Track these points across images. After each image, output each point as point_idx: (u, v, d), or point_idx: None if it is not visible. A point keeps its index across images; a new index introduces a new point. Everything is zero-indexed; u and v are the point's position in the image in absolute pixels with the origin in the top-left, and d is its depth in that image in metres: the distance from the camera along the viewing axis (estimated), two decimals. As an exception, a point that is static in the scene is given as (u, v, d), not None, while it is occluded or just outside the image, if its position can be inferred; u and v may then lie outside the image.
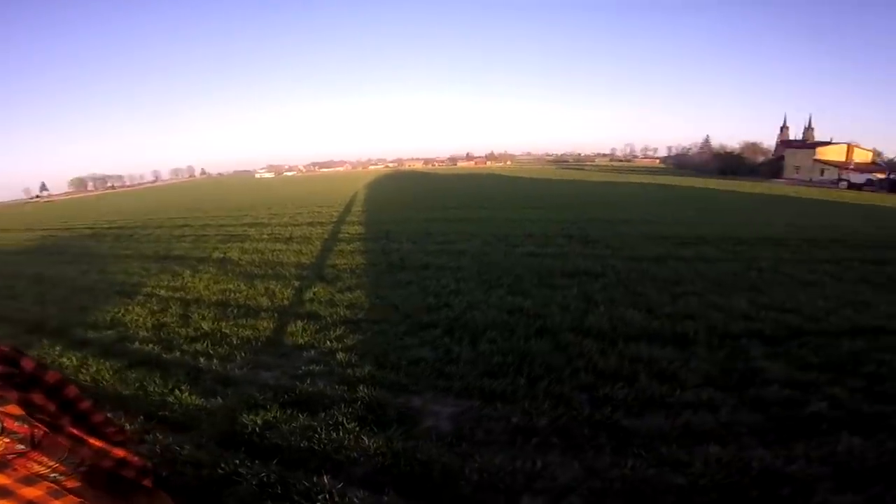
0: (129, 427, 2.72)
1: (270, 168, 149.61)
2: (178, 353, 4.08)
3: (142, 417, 2.98)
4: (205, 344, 4.23)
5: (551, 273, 6.26)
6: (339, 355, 3.76)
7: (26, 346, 4.64)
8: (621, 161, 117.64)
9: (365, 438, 2.63)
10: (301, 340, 4.17)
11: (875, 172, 36.24)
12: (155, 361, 3.94)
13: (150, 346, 4.27)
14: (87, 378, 3.66)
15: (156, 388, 3.38)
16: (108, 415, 1.41)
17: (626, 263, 6.90)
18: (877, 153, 47.57)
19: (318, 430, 2.71)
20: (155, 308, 5.45)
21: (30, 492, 1.04)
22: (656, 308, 4.84)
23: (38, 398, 1.11)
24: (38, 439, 1.06)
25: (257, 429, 2.76)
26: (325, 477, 2.28)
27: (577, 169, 65.65)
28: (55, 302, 6.48)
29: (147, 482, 1.36)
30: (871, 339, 3.97)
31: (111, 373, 3.72)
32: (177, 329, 4.67)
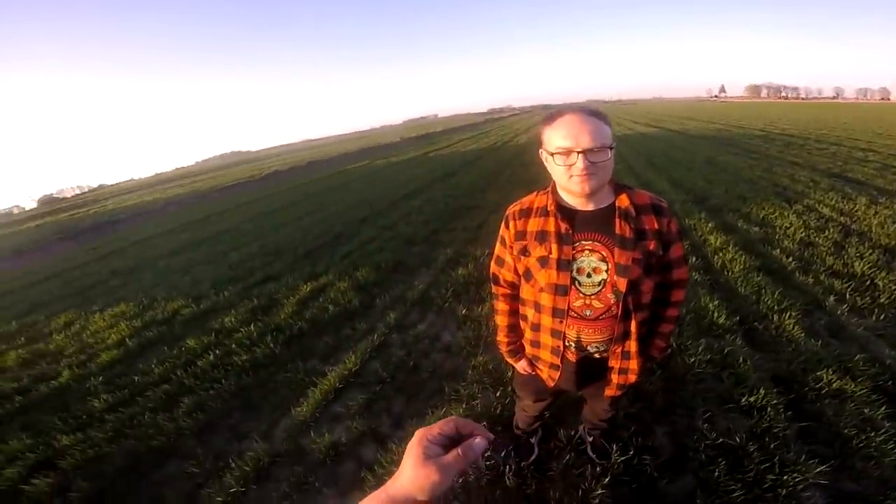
0: (670, 351, 2.80)
1: None
2: (811, 279, 3.77)
3: (737, 318, 3.13)
4: (846, 284, 3.66)
5: None
6: None
7: (687, 212, 5.83)
8: None
9: None
10: None
11: None
12: (784, 276, 3.86)
13: (789, 259, 4.17)
14: (719, 262, 4.14)
15: (769, 301, 3.36)
16: (673, 331, 1.47)
17: None
18: None
19: (880, 431, 2.11)
20: (811, 224, 5.13)
21: (546, 338, 1.32)
22: None
23: (646, 286, 1.21)
24: (604, 316, 1.20)
25: (823, 390, 2.38)
26: (820, 465, 1.92)
27: None
28: (719, 184, 7.49)
29: (615, 392, 1.40)
30: None
31: (740, 267, 3.98)
32: (824, 255, 4.25)
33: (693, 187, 7.44)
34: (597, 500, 1.84)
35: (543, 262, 1.20)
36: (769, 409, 2.25)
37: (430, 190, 10.45)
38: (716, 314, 3.18)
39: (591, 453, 2.07)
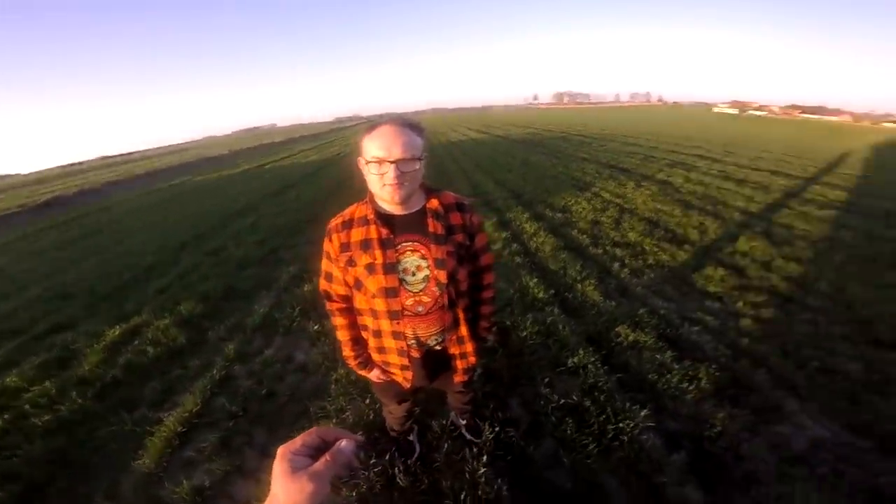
0: (495, 329, 2.97)
1: (734, 104, 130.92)
2: (600, 251, 4.66)
3: (552, 291, 3.66)
4: (625, 252, 4.62)
5: None
6: (744, 322, 3.26)
7: (508, 206, 6.59)
8: None
9: (707, 404, 2.38)
10: (711, 287, 3.86)
11: None
12: (581, 251, 4.70)
13: (584, 237, 5.10)
14: (534, 246, 4.81)
15: (573, 273, 4.03)
16: (493, 311, 1.59)
17: None
18: None
19: (673, 373, 2.58)
20: (597, 207, 6.38)
21: (389, 342, 1.35)
22: None
23: (462, 274, 1.33)
24: (434, 309, 1.30)
25: (625, 343, 2.90)
26: (643, 410, 2.24)
27: None
28: (531, 181, 8.74)
29: (462, 378, 1.51)
30: None
31: (550, 248, 4.71)
32: (607, 230, 5.31)
33: (512, 185, 8.50)
34: (483, 479, 1.92)
35: (371, 268, 1.24)
36: (590, 366, 2.62)
37: (265, 205, 9.65)
38: (536, 290, 3.66)
39: (467, 435, 2.15)
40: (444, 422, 2.28)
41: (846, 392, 2.59)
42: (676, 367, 2.66)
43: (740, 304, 3.56)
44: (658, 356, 2.77)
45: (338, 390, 2.70)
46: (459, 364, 1.45)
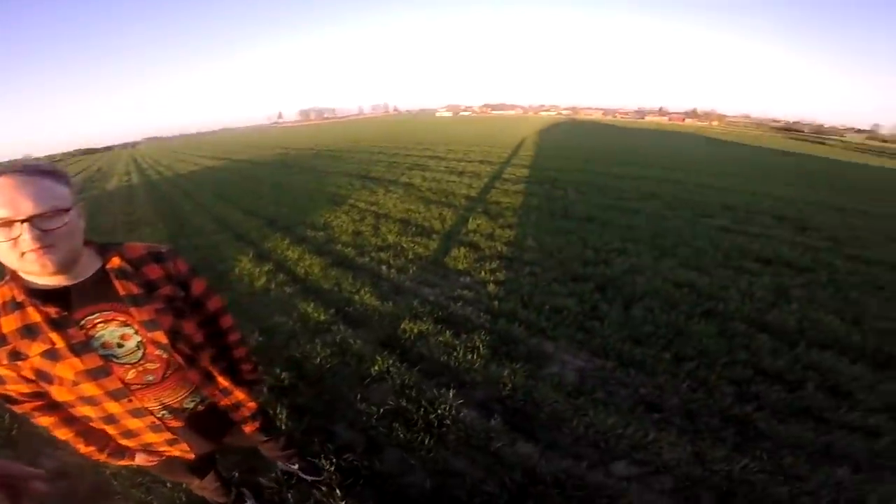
0: (261, 368, 3.16)
1: (449, 108, 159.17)
2: (367, 259, 4.97)
3: (333, 310, 3.74)
4: (388, 254, 5.06)
5: (743, 254, 5.41)
6: (490, 287, 4.07)
7: (265, 236, 6.24)
8: (887, 141, 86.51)
9: (493, 366, 2.82)
10: (461, 266, 4.63)
11: None
12: (350, 263, 4.89)
13: (349, 249, 5.31)
14: (302, 270, 4.75)
15: (347, 287, 4.20)
16: (249, 351, 1.47)
17: (850, 264, 5.50)
18: None
19: (457, 349, 3.02)
20: (355, 218, 6.70)
21: (133, 423, 1.14)
22: (869, 321, 3.87)
23: (188, 327, 1.15)
24: (170, 372, 1.12)
25: (412, 337, 3.23)
26: (450, 392, 2.52)
27: (817, 143, 52.50)
28: (286, 204, 8.47)
29: (252, 426, 1.40)
30: None
31: (319, 268, 4.74)
32: (369, 237, 5.68)
33: (265, 212, 8.00)
34: (350, 511, 1.82)
35: (52, 355, 0.97)
36: (392, 368, 2.76)
37: None
38: (316, 314, 3.64)
39: (308, 478, 2.02)
40: (273, 474, 2.08)
41: (575, 324, 3.37)
42: (457, 342, 3.05)
43: (482, 273, 4.36)
44: (441, 338, 3.13)
45: (123, 484, 2.14)
46: (242, 413, 1.34)
